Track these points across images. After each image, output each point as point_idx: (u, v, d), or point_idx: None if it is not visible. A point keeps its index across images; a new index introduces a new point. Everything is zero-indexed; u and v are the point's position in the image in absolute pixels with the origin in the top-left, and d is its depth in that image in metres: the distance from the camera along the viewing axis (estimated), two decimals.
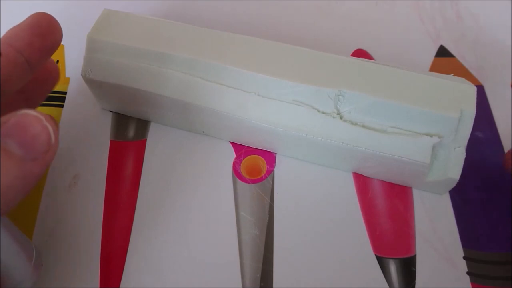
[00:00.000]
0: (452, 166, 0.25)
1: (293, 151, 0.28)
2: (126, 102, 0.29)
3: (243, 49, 0.26)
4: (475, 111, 0.24)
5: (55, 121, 0.17)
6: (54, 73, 0.25)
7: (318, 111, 0.25)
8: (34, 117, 0.16)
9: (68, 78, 0.32)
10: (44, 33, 0.21)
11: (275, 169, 0.28)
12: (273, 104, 0.26)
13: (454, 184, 0.25)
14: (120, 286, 0.25)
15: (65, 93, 0.31)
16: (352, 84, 0.25)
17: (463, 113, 0.24)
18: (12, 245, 0.20)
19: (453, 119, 0.24)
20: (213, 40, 0.27)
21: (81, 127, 0.30)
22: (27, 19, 0.21)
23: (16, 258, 0.21)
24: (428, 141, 0.24)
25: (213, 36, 0.27)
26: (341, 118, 0.25)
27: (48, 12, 0.22)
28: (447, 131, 0.24)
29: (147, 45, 0.27)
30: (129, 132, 0.30)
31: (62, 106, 0.31)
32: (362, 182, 0.28)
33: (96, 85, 0.28)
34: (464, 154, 0.24)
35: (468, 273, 0.25)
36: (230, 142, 0.29)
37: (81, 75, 0.27)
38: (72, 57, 0.33)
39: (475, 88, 0.25)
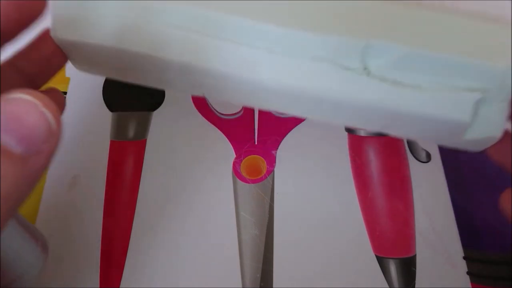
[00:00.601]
0: (493, 123, 0.21)
1: (313, 113, 0.24)
2: (109, 65, 0.24)
3: None
4: None
5: (53, 103, 0.14)
6: (57, 53, 0.22)
7: (342, 67, 0.21)
8: (29, 103, 0.14)
9: (68, 78, 0.32)
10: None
11: (275, 169, 0.28)
12: (288, 61, 0.21)
13: (494, 142, 0.22)
14: (120, 286, 0.25)
15: (65, 93, 0.31)
16: (381, 33, 0.21)
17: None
18: (23, 233, 0.20)
19: (501, 70, 0.20)
20: None
21: (81, 127, 0.30)
22: None
23: (26, 245, 0.21)
24: (469, 97, 0.21)
25: None
26: (368, 74, 0.21)
27: (41, 4, 0.20)
28: (492, 85, 0.21)
29: None
30: (129, 132, 0.30)
31: None
32: (362, 182, 0.28)
33: (71, 45, 0.22)
34: (508, 109, 0.21)
35: (468, 273, 0.25)
36: (230, 142, 0.29)
37: (51, 35, 0.21)
38: None
39: None
